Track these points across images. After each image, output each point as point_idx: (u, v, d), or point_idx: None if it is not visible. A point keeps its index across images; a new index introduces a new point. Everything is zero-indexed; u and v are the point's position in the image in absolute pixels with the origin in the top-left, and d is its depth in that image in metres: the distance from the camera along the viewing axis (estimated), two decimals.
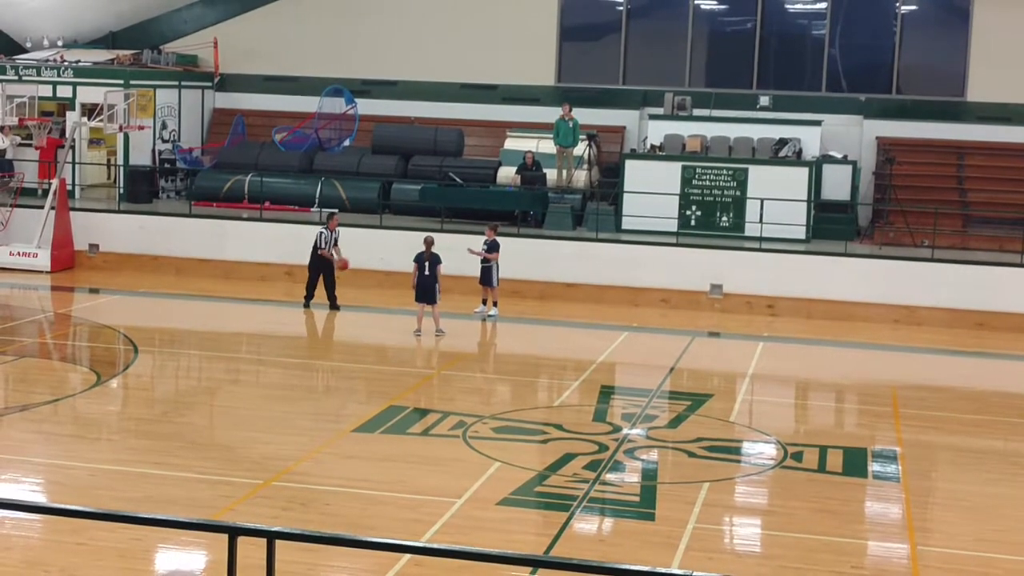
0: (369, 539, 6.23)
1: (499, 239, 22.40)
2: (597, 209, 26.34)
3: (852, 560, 11.58)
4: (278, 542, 5.98)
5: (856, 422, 17.75)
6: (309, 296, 22.84)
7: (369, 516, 12.07)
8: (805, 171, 26.05)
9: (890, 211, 26.67)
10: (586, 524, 12.35)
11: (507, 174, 27.58)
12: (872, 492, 13.75)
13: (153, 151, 29.85)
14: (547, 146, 27.41)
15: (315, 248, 22.63)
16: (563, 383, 18.55)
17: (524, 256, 24.13)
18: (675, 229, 25.53)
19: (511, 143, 28.43)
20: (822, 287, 23.86)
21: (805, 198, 25.73)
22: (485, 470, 13.53)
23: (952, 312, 23.43)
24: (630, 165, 26.70)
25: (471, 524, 11.92)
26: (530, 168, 27.10)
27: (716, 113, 28.13)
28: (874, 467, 14.54)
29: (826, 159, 27.07)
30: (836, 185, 26.84)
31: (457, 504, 12.39)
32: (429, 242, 20.92)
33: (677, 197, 25.97)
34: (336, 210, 25.19)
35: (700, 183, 26.11)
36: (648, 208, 25.53)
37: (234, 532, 5.98)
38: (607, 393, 17.83)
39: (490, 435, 15.11)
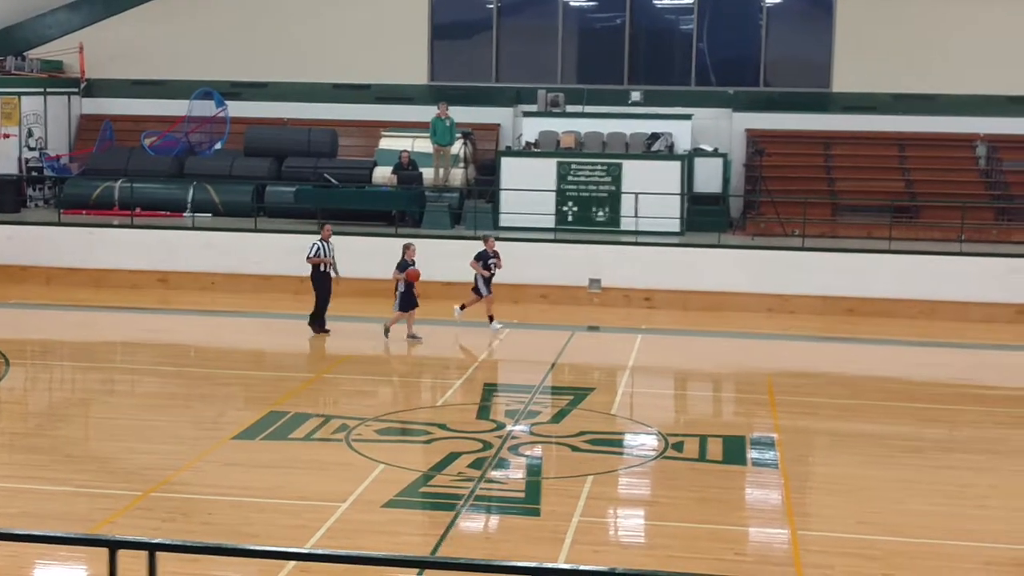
0: (253, 547, 6.15)
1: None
2: (475, 207, 26.38)
3: (735, 547, 11.77)
4: (160, 554, 5.86)
5: (734, 410, 18.05)
6: (321, 319, 20.91)
7: (252, 524, 11.92)
8: (677, 165, 26.41)
9: (761, 202, 27.17)
10: (472, 522, 12.36)
11: (383, 174, 27.47)
12: (752, 479, 13.98)
13: (19, 159, 29.09)
14: (422, 145, 27.36)
15: (309, 259, 20.89)
16: (446, 382, 18.53)
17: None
18: (552, 225, 25.71)
19: (386, 143, 28.32)
20: (697, 279, 24.21)
21: (678, 191, 26.08)
22: (369, 473, 13.46)
23: (823, 299, 23.97)
24: (506, 162, 26.79)
25: (356, 528, 11.84)
26: (406, 167, 27.02)
27: (589, 109, 28.36)
28: (753, 454, 14.80)
29: (697, 152, 27.47)
30: (708, 178, 27.26)
31: (341, 508, 12.29)
32: (412, 250, 20.78)
33: (553, 193, 26.14)
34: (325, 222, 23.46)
35: (575, 179, 26.30)
36: (525, 205, 25.67)
37: (114, 546, 5.85)
38: (490, 391, 17.87)
39: (373, 437, 15.03)
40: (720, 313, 23.62)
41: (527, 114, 28.53)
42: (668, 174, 26.21)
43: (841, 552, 11.55)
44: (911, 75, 28.65)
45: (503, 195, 26.29)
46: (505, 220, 26.01)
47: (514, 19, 31.12)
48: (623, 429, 16.00)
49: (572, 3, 30.69)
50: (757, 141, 28.43)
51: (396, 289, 20.66)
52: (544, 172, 26.26)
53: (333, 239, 21.14)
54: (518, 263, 23.94)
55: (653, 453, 14.77)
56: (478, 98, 29.87)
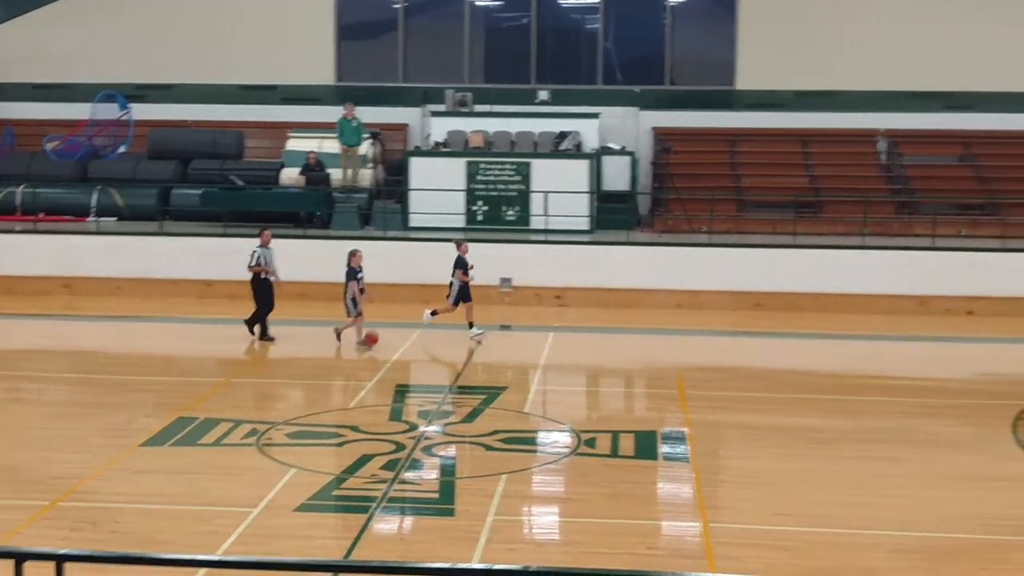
0: (163, 556, 6.07)
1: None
2: (384, 208, 26.30)
3: (647, 541, 11.85)
4: (67, 564, 5.76)
5: (645, 406, 18.19)
6: (264, 326, 20.59)
7: (162, 531, 11.75)
8: (586, 163, 26.56)
9: (669, 199, 27.43)
10: (386, 524, 12.30)
11: (290, 175, 27.27)
12: (663, 473, 14.10)
13: None
14: (330, 146, 27.21)
15: (250, 268, 20.58)
16: (358, 384, 18.43)
17: (311, 258, 23.92)
18: (462, 225, 25.71)
19: (293, 144, 28.12)
20: (607, 276, 24.38)
21: (587, 190, 26.23)
22: (281, 477, 13.34)
23: (731, 294, 24.27)
24: (415, 162, 26.74)
25: (269, 533, 11.72)
26: (313, 168, 26.86)
27: (497, 108, 28.42)
28: (664, 449, 14.92)
29: (605, 151, 27.65)
30: (616, 176, 27.46)
31: (253, 513, 12.17)
32: (358, 256, 20.51)
33: (463, 193, 26.14)
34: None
35: (485, 178, 26.33)
36: (435, 205, 25.65)
37: (21, 557, 5.74)
38: (402, 392, 17.81)
39: (284, 441, 14.90)
40: (630, 310, 23.80)
41: (435, 114, 28.51)
42: (577, 173, 26.34)
43: (752, 544, 11.69)
44: (813, 72, 29.11)
45: (412, 195, 26.24)
46: (415, 220, 25.96)
47: (420, 19, 31.08)
48: (536, 427, 16.04)
49: (478, 3, 30.72)
50: (664, 139, 28.70)
51: (346, 296, 20.34)
52: (453, 172, 26.25)
53: (273, 244, 20.84)
54: (428, 263, 23.92)
55: (566, 450, 14.83)
56: (386, 98, 29.78)
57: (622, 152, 27.83)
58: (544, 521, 12.80)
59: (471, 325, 20.99)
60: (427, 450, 14.61)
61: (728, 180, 28.26)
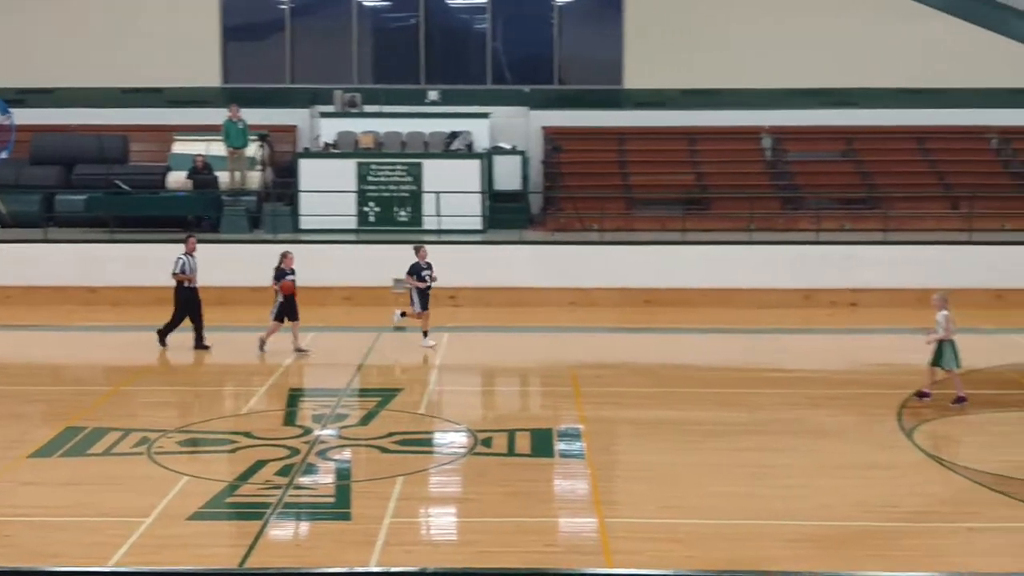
0: (52, 568, 5.98)
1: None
2: (273, 210, 26.06)
3: (545, 539, 11.92)
4: None
5: (541, 404, 18.29)
6: (167, 332, 20.02)
7: (52, 543, 11.52)
8: (477, 163, 26.61)
9: (560, 198, 27.60)
10: (281, 531, 12.20)
11: (177, 179, 26.89)
12: (560, 470, 14.20)
13: None
14: (217, 148, 26.87)
15: (175, 275, 19.98)
16: (250, 389, 18.22)
17: (200, 262, 23.54)
18: (354, 226, 25.59)
19: (179, 147, 27.72)
20: (500, 275, 24.44)
21: (479, 189, 26.27)
22: (173, 486, 13.15)
23: (622, 291, 24.50)
24: (304, 164, 26.55)
25: (161, 542, 11.56)
26: (201, 171, 26.51)
27: (387, 109, 28.33)
28: (560, 446, 15.03)
29: (496, 150, 27.72)
30: (507, 175, 27.56)
31: (145, 523, 11.99)
32: (289, 258, 20.04)
33: (354, 194, 26.01)
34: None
35: (376, 179, 26.24)
36: (326, 206, 25.47)
37: None
38: (296, 396, 17.68)
39: (176, 449, 14.70)
40: (523, 308, 23.90)
41: (324, 115, 28.32)
42: (468, 172, 26.37)
43: (648, 537, 11.83)
44: (699, 71, 29.51)
45: (303, 197, 26.04)
46: (305, 223, 25.77)
47: (307, 19, 30.86)
48: (432, 428, 16.04)
49: (366, 3, 30.60)
50: (554, 138, 28.87)
51: (276, 299, 20.00)
52: (344, 173, 26.11)
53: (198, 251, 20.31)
54: (320, 265, 23.75)
55: (462, 450, 14.85)
56: (273, 99, 29.52)
57: (513, 152, 27.93)
58: (441, 522, 12.81)
59: (425, 334, 20.61)
60: (322, 454, 14.52)
61: (617, 178, 28.52)
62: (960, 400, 16.61)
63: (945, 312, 16.70)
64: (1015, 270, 24.26)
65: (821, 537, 11.91)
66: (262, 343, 19.86)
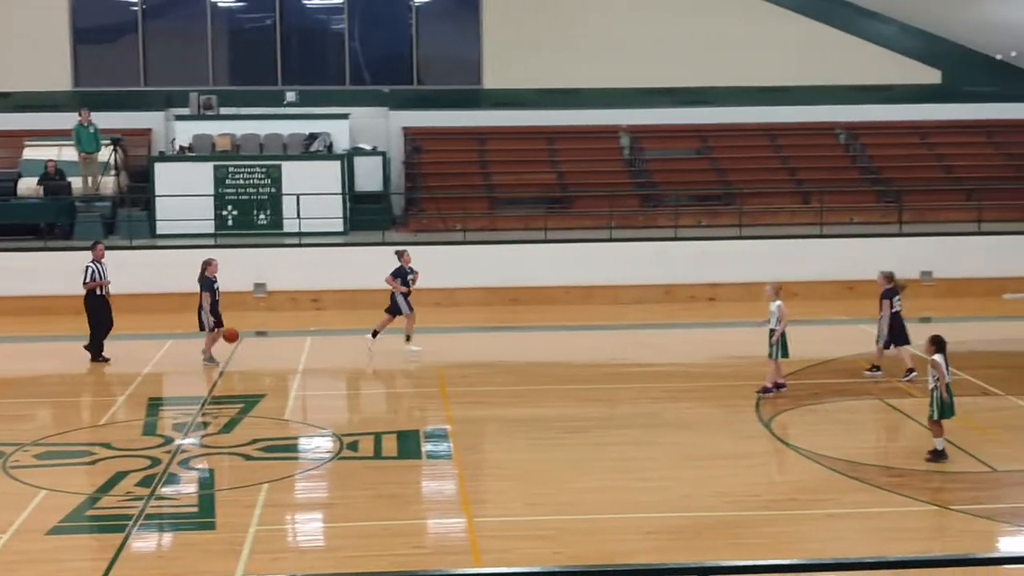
0: None
1: None
2: (129, 215, 25.55)
3: (413, 540, 11.92)
4: None
5: (407, 405, 18.25)
6: (99, 346, 19.47)
7: None
8: (337, 164, 26.46)
9: (422, 199, 27.59)
10: (144, 542, 11.98)
11: (28, 185, 26.21)
12: (427, 472, 14.21)
13: None
14: (70, 154, 26.25)
15: (85, 284, 19.48)
16: (109, 400, 17.85)
17: (53, 271, 23.01)
18: (212, 231, 25.22)
19: (30, 152, 27.02)
20: (364, 277, 24.25)
21: (340, 191, 26.11)
22: (30, 500, 12.82)
23: (487, 290, 24.61)
24: (160, 168, 26.09)
25: (19, 558, 11.26)
26: (53, 177, 25.87)
27: (244, 111, 27.99)
28: (427, 447, 15.03)
29: (356, 151, 27.60)
30: (368, 176, 27.46)
31: (2, 540, 11.67)
32: (213, 266, 19.56)
33: (211, 198, 25.64)
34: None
35: (234, 182, 25.91)
36: (183, 211, 25.07)
37: None
38: (156, 405, 17.36)
39: (32, 463, 14.32)
40: None
41: (180, 118, 27.86)
42: (328, 174, 26.21)
43: (515, 535, 11.91)
44: (557, 71, 29.78)
45: (159, 202, 25.58)
46: (162, 228, 25.33)
47: (160, 21, 30.32)
48: (297, 433, 15.91)
49: (220, 4, 30.17)
50: (414, 138, 28.84)
51: (200, 309, 19.58)
52: (201, 177, 25.73)
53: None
54: (178, 271, 23.34)
55: (328, 455, 14.75)
56: (127, 103, 28.95)
57: (373, 152, 27.83)
58: (308, 528, 12.71)
59: (408, 338, 20.22)
60: (184, 463, 14.29)
61: (479, 178, 28.62)
62: (767, 390, 17.06)
63: (778, 302, 17.12)
64: (864, 262, 25.01)
65: (683, 528, 12.13)
66: (207, 355, 19.62)
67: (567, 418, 16.34)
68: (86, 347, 19.74)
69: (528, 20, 29.95)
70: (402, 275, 20.13)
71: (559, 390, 17.88)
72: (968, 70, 30.89)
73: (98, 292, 19.63)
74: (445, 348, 21.18)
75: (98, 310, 19.64)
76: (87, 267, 19.63)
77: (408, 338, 20.08)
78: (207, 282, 19.58)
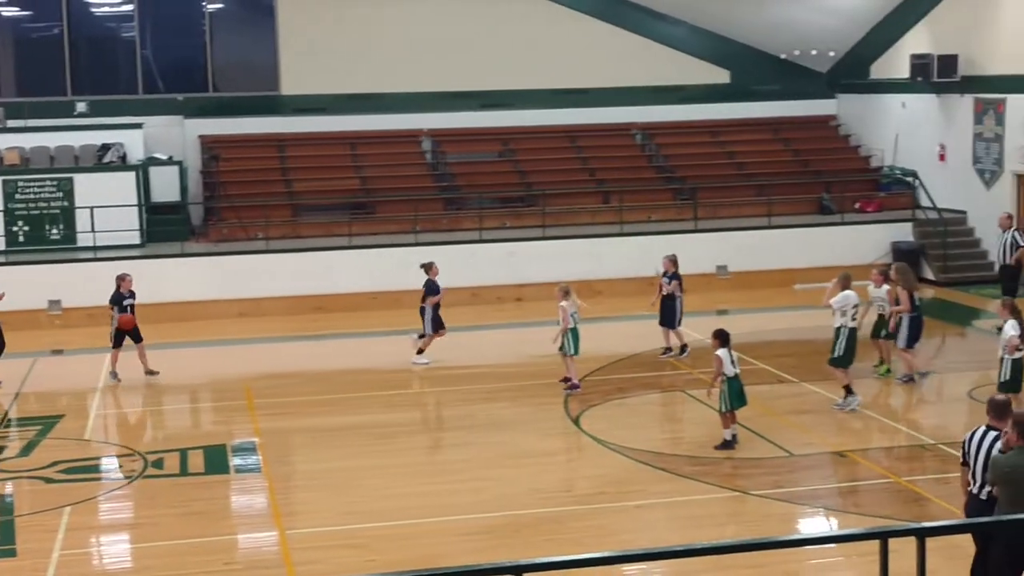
0: None
1: None
2: None
3: (224, 557, 11.72)
4: None
5: (213, 420, 17.94)
6: None
7: None
8: (132, 175, 25.80)
9: (222, 208, 27.09)
10: None
11: None
12: (236, 486, 13.99)
13: None
14: None
15: None
16: None
17: None
18: (3, 247, 24.27)
19: None
20: (163, 290, 23.68)
21: (135, 202, 25.47)
22: None
23: (291, 299, 24.32)
24: None
25: None
26: None
27: (32, 123, 27.02)
28: (235, 461, 14.80)
29: (152, 161, 26.95)
30: (165, 186, 26.83)
31: None
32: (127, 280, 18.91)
33: (1, 214, 24.69)
34: None
35: (24, 197, 25.04)
36: None
37: None
38: None
39: None
40: (190, 323, 23.33)
41: None
42: (123, 185, 25.52)
43: (328, 545, 11.83)
44: (356, 76, 29.61)
45: None
46: None
47: None
48: (99, 453, 15.45)
49: (4, 13, 29.05)
50: (211, 147, 28.31)
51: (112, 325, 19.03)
52: None
53: None
54: None
55: (132, 474, 14.38)
56: None
57: (169, 162, 27.21)
58: (114, 550, 12.38)
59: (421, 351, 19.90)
60: None
61: (280, 185, 28.25)
62: (571, 382, 17.48)
63: (564, 303, 17.56)
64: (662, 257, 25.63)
65: (499, 527, 12.24)
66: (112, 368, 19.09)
67: (377, 424, 16.30)
68: None
69: (326, 25, 29.70)
70: (436, 290, 19.88)
71: (368, 397, 17.82)
72: (755, 69, 31.93)
73: None
74: (251, 359, 20.86)
75: None
76: None
77: (420, 351, 19.95)
78: (117, 297, 19.14)
